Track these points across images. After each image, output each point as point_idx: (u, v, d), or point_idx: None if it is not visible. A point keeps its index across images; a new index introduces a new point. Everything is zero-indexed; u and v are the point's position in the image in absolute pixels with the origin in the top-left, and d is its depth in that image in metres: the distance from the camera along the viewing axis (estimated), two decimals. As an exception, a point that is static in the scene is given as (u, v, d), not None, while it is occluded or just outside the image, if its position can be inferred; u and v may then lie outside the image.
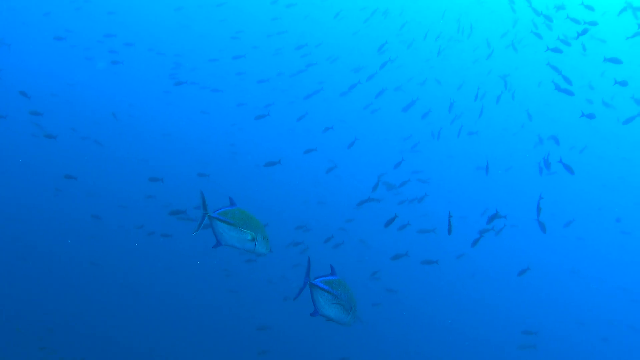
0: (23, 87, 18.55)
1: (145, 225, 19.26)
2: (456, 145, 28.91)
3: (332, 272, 4.99)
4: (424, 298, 22.89)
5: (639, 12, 19.51)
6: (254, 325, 18.21)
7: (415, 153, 26.84)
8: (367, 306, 18.33)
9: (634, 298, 27.66)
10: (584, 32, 16.24)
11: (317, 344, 18.60)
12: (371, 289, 19.89)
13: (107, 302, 18.22)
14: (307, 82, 29.44)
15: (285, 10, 33.35)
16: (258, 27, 35.17)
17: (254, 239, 4.71)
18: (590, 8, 18.96)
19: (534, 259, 27.58)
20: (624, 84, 16.34)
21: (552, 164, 14.89)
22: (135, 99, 32.04)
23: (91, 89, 31.88)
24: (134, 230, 20.18)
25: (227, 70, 31.41)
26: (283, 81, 29.79)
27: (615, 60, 16.27)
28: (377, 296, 19.84)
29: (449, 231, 9.89)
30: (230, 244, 4.82)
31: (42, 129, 20.39)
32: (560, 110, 31.03)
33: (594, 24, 17.44)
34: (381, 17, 31.61)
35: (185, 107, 32.76)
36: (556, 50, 17.37)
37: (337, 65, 30.77)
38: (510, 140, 33.45)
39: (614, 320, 25.38)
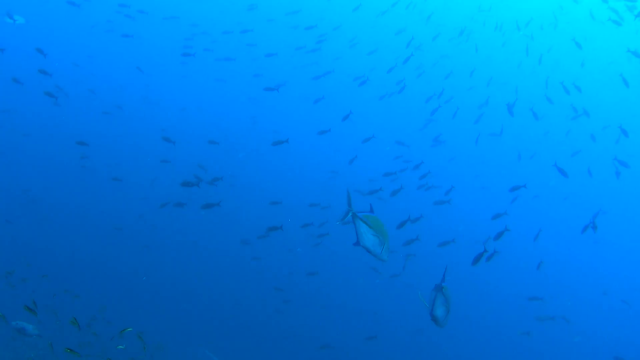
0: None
1: (161, 196, 19.54)
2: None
3: (443, 279, 6.10)
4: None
5: None
6: (272, 287, 18.99)
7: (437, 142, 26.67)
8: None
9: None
10: None
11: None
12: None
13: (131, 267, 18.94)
14: (323, 61, 29.65)
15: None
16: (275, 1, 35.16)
17: (383, 246, 5.36)
18: None
19: (559, 229, 28.80)
20: None
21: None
22: (153, 69, 32.23)
23: (110, 60, 32.18)
24: (153, 199, 20.53)
25: (242, 42, 31.43)
26: (300, 57, 29.77)
27: None
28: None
29: (475, 261, 10.08)
30: (367, 245, 5.40)
31: (61, 90, 20.52)
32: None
33: None
34: (404, 8, 31.24)
35: (201, 78, 33.04)
36: (616, 22, 17.03)
37: (355, 50, 30.63)
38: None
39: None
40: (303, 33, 27.67)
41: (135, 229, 20.79)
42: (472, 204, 29.11)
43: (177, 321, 17.55)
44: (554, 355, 22.39)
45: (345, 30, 32.11)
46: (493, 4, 34.72)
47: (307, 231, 17.18)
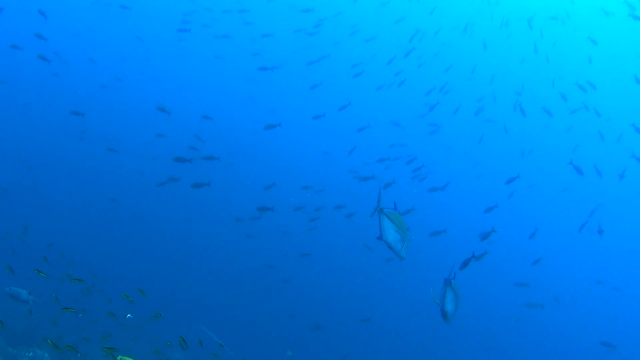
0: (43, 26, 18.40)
1: (158, 171, 19.42)
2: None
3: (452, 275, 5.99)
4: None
5: None
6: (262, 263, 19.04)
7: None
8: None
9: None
10: None
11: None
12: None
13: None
14: (322, 46, 29.51)
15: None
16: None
17: (404, 243, 5.47)
18: None
19: (556, 220, 29.16)
20: None
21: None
22: (152, 44, 31.93)
23: (110, 34, 31.86)
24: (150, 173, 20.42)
25: (240, 20, 31.16)
26: (300, 39, 29.56)
27: None
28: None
29: (463, 266, 10.00)
30: (389, 241, 5.48)
31: (61, 58, 20.33)
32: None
33: None
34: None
35: (200, 54, 32.84)
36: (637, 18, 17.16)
37: (355, 37, 30.50)
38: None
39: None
40: (302, 16, 27.49)
41: (131, 202, 20.74)
42: (468, 193, 29.26)
43: (170, 294, 17.56)
44: (545, 341, 22.74)
45: (345, 17, 31.92)
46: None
47: (301, 214, 17.19)
